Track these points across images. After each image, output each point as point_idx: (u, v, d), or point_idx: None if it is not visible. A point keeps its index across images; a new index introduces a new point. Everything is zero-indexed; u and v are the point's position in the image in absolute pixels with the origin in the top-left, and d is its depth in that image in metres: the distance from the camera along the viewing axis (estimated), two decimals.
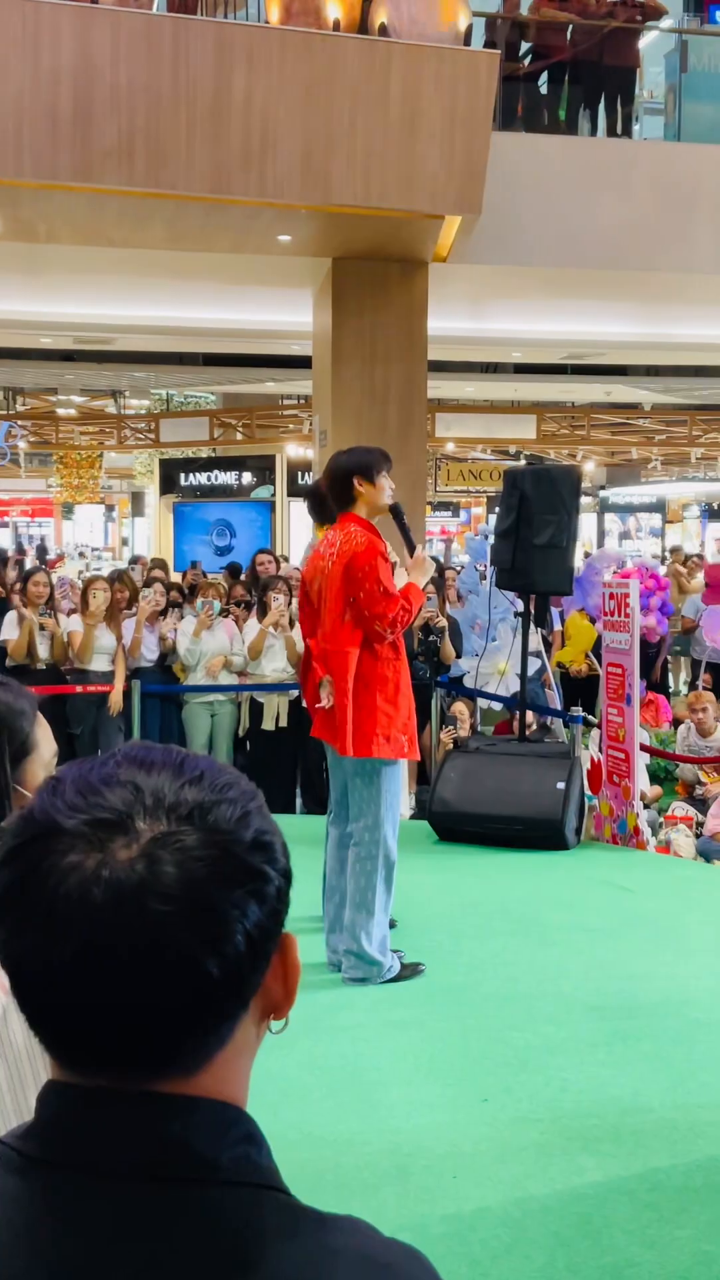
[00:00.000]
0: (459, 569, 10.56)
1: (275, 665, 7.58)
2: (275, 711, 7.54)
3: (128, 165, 7.43)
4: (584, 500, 17.90)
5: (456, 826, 6.17)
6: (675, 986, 4.27)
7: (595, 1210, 2.82)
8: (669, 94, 10.25)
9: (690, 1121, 3.27)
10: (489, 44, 9.45)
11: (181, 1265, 0.70)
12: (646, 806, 6.91)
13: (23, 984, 0.73)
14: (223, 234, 8.76)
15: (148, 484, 21.52)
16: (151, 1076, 0.74)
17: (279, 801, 7.49)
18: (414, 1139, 3.18)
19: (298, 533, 17.13)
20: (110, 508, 29.05)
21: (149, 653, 7.77)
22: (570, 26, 9.79)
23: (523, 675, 6.82)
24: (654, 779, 7.47)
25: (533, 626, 6.89)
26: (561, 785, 6.06)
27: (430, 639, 7.43)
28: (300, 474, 17.68)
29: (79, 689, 7.45)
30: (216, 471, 18.96)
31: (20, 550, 21.16)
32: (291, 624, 7.33)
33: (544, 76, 9.98)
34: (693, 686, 10.17)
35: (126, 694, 7.41)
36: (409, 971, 4.34)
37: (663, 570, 12.15)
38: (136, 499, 26.07)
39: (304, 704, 7.36)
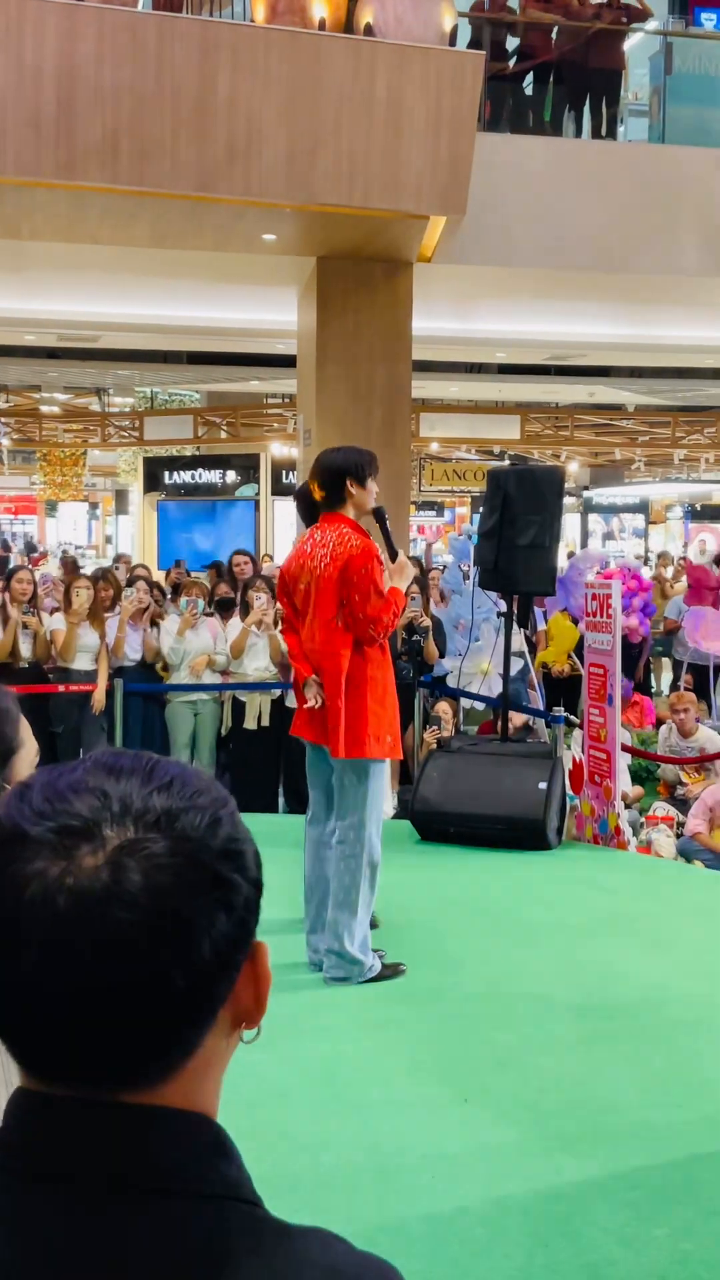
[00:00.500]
0: (441, 568, 10.57)
1: (258, 664, 7.57)
2: (258, 710, 7.54)
3: (112, 163, 7.41)
4: (567, 501, 17.96)
5: (438, 826, 6.18)
6: (654, 986, 4.29)
7: (574, 1209, 2.83)
8: (653, 96, 10.28)
9: (668, 1121, 3.29)
10: (475, 44, 9.46)
11: (137, 1278, 0.69)
12: (628, 807, 6.94)
13: None
14: (207, 232, 8.74)
15: (131, 482, 21.49)
16: (116, 1086, 0.73)
17: (261, 800, 7.48)
18: (394, 1139, 3.18)
19: (282, 531, 17.14)
20: (94, 505, 28.98)
21: (132, 652, 7.75)
22: (556, 28, 9.81)
23: (505, 675, 6.84)
24: (635, 779, 7.50)
25: (516, 626, 6.90)
26: (543, 785, 6.08)
27: (414, 639, 7.44)
28: (284, 472, 17.68)
29: (61, 688, 7.43)
30: (201, 470, 18.96)
31: (5, 547, 21.13)
32: (277, 623, 7.34)
33: (529, 77, 10.00)
34: (674, 687, 10.21)
35: (109, 693, 7.39)
36: (390, 971, 4.35)
37: (646, 573, 12.20)
38: (120, 497, 26.02)
39: (287, 704, 7.41)
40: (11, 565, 11.65)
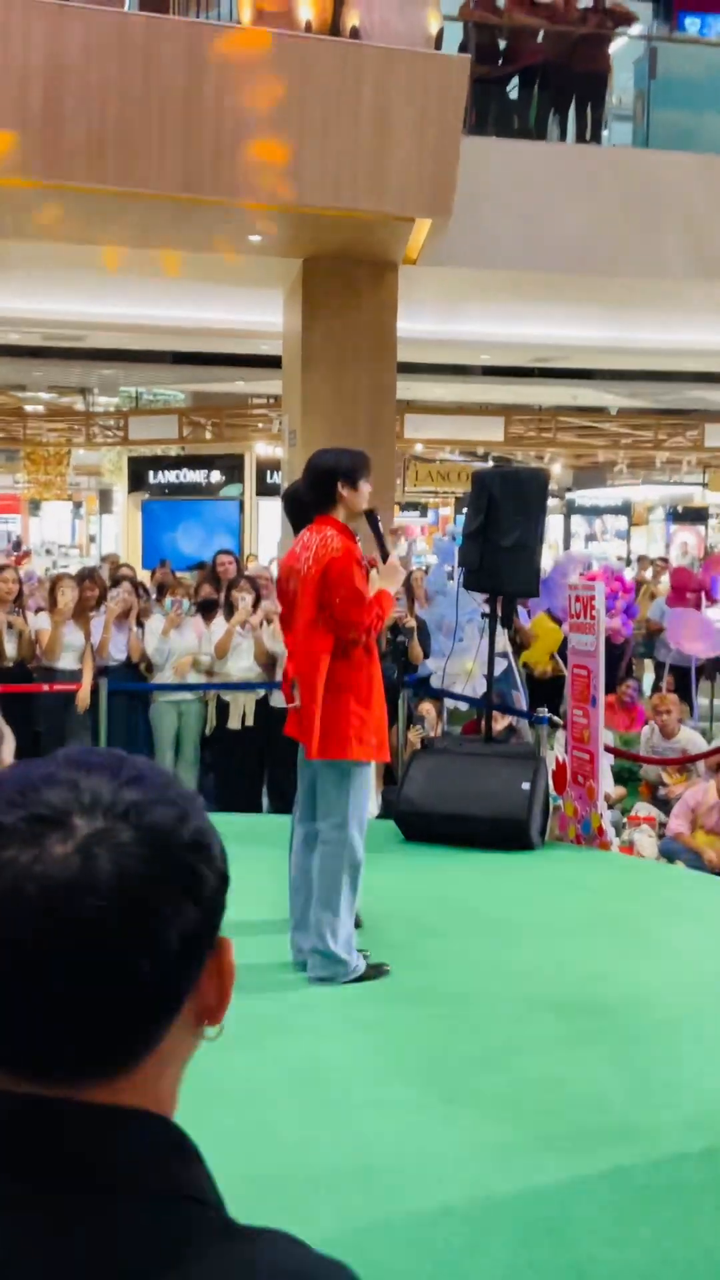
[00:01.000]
0: (424, 568, 10.59)
1: (242, 664, 7.58)
2: (242, 711, 7.54)
3: (98, 163, 7.40)
4: (551, 502, 17.98)
5: (422, 826, 6.19)
6: (637, 986, 4.31)
7: (558, 1209, 2.85)
8: (638, 100, 10.33)
9: (652, 1120, 3.31)
10: (466, 47, 9.48)
11: (81, 1278, 0.68)
12: (610, 807, 6.97)
13: None
14: (193, 233, 8.74)
15: (116, 481, 21.43)
16: (74, 1079, 0.73)
17: (245, 800, 7.49)
18: (377, 1138, 3.19)
19: (267, 531, 17.12)
20: (78, 505, 28.88)
21: (117, 652, 7.74)
22: (541, 32, 9.84)
23: (489, 676, 6.86)
24: (617, 780, 7.53)
25: (500, 627, 6.92)
26: (527, 785, 6.10)
27: (399, 639, 7.45)
28: (269, 472, 17.66)
29: (46, 687, 7.42)
30: (185, 469, 18.93)
31: None
32: (269, 622, 7.35)
33: (514, 81, 10.03)
34: (656, 689, 10.26)
35: (94, 692, 7.38)
36: (374, 971, 4.35)
37: (629, 574, 12.25)
38: (104, 496, 25.94)
39: (271, 704, 7.41)
40: None
